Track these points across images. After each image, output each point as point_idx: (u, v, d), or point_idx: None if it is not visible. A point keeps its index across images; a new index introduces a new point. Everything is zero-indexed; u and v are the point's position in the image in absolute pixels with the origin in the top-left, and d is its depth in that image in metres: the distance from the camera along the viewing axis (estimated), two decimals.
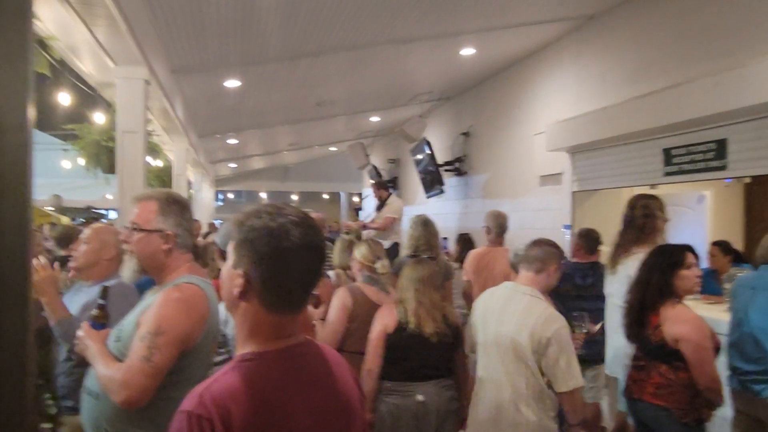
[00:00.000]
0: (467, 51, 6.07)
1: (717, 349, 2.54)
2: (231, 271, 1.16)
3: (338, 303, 3.04)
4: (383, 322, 2.76)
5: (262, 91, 6.98)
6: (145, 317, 1.75)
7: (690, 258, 2.62)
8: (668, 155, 4.34)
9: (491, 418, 2.56)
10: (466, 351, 2.94)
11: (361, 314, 2.99)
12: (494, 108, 7.23)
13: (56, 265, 2.56)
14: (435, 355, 2.74)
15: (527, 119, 6.36)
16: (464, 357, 2.95)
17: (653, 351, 2.59)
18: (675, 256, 2.63)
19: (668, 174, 4.36)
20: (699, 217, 6.43)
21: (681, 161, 4.24)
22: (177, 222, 1.90)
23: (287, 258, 1.12)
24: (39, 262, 2.27)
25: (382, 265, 3.15)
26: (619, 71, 4.90)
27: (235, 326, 1.19)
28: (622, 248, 3.31)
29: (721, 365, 2.77)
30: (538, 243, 2.67)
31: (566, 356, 2.41)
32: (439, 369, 2.76)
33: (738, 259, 4.65)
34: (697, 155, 4.09)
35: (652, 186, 4.74)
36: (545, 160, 5.82)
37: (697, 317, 2.55)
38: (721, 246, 4.84)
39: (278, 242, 1.11)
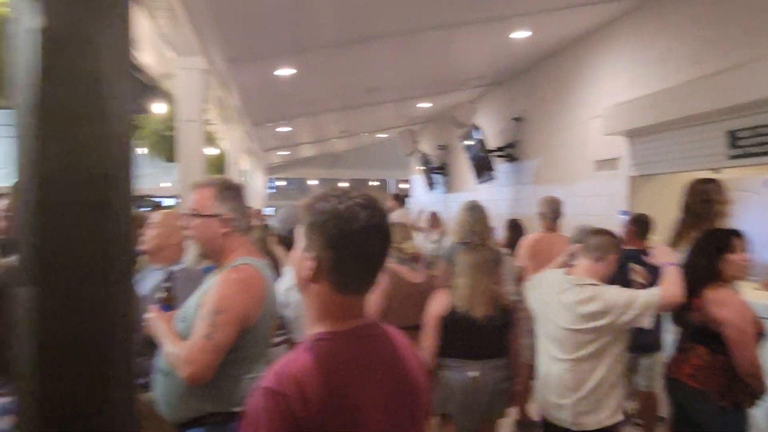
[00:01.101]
0: (519, 34, 5.95)
1: (761, 335, 2.51)
2: (302, 254, 1.19)
3: None
4: (438, 305, 2.89)
5: (313, 79, 7.07)
6: (206, 298, 1.84)
7: (737, 243, 2.60)
8: (733, 138, 4.14)
9: (550, 405, 2.68)
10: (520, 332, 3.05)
11: (398, 293, 3.20)
12: (548, 92, 7.06)
13: None
14: (485, 336, 2.85)
15: (582, 103, 6.19)
16: (516, 339, 3.03)
17: (693, 333, 2.60)
18: (722, 240, 2.63)
19: (733, 157, 4.16)
20: (766, 201, 6.12)
21: (747, 144, 4.04)
22: (233, 206, 1.97)
23: (356, 240, 1.14)
24: None
25: (409, 246, 3.41)
26: (680, 51, 4.69)
27: (305, 307, 1.23)
28: (680, 235, 3.24)
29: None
30: (599, 232, 2.73)
31: (621, 306, 2.47)
32: (490, 349, 2.87)
33: None
34: (766, 137, 3.89)
35: (715, 170, 4.55)
36: (601, 144, 5.67)
37: (741, 301, 2.53)
38: None
39: (347, 225, 1.13)
